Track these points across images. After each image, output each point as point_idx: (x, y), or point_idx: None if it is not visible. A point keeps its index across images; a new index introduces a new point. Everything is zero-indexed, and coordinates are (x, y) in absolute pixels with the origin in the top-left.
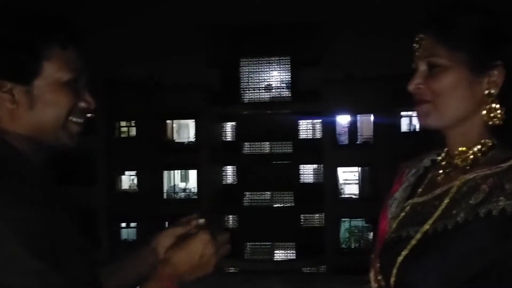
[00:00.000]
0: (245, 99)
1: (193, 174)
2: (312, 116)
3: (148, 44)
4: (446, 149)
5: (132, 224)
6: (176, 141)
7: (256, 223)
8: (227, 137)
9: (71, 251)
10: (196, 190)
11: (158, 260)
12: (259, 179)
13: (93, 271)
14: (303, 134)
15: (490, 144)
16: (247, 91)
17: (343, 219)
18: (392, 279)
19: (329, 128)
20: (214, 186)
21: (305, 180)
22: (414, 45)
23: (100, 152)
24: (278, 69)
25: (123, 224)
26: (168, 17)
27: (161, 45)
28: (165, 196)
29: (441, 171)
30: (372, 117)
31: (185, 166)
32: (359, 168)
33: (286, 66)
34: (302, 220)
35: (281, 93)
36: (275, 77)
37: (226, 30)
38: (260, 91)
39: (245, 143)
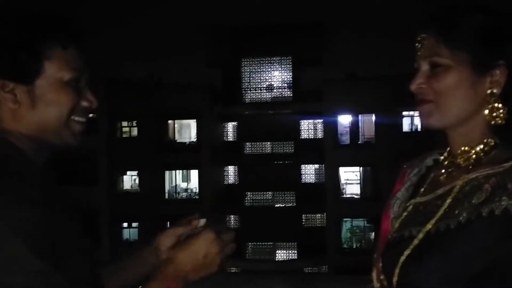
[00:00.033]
0: (246, 99)
1: (194, 174)
2: (313, 116)
3: (150, 44)
4: (448, 148)
5: (134, 224)
6: (177, 141)
7: (258, 223)
8: (228, 137)
9: (72, 251)
10: (197, 190)
11: (158, 260)
12: (260, 179)
13: (95, 271)
14: (304, 134)
15: (493, 143)
16: (249, 91)
17: (344, 219)
18: (395, 279)
19: (331, 128)
20: (216, 186)
21: (306, 180)
22: (416, 44)
23: (102, 152)
24: (280, 69)
25: (125, 224)
26: (169, 17)
27: (162, 45)
28: (166, 196)
29: (443, 171)
30: (373, 117)
31: (186, 166)
32: (361, 168)
33: (288, 66)
34: (303, 220)
35: (283, 93)
36: (276, 77)
37: (228, 30)
38: (262, 91)
39: (247, 143)
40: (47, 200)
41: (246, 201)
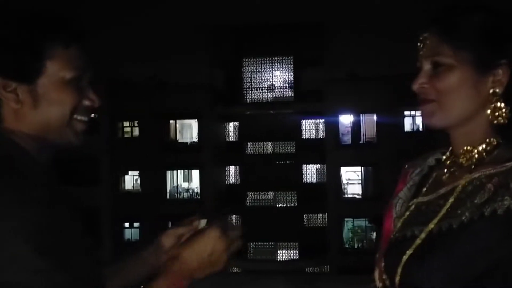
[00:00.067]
0: (248, 99)
1: (196, 174)
2: (315, 116)
3: (151, 45)
4: (450, 148)
5: (135, 224)
6: (179, 141)
7: (259, 223)
8: (230, 137)
9: (74, 250)
10: (199, 190)
11: (158, 260)
12: (262, 179)
13: (97, 271)
14: (306, 134)
15: (495, 143)
16: (250, 91)
17: (346, 219)
18: (397, 279)
19: (332, 128)
20: (217, 186)
21: (308, 180)
22: (418, 44)
23: (103, 152)
24: (281, 69)
25: (126, 224)
26: (171, 17)
27: (164, 45)
28: (168, 196)
29: (446, 170)
30: (375, 117)
31: (188, 166)
32: (362, 168)
33: (289, 66)
34: (305, 220)
35: (284, 93)
36: (277, 77)
37: (229, 30)
38: (263, 91)
39: (248, 143)
40: (51, 200)
41: (248, 201)
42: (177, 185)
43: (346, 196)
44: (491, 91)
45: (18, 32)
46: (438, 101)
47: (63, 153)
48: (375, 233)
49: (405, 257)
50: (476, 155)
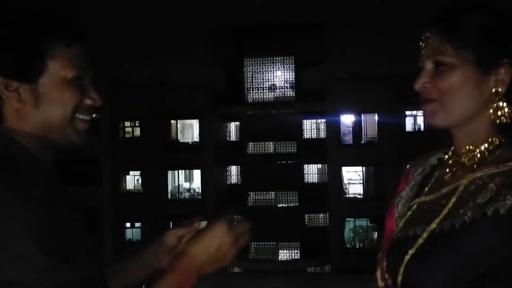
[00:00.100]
0: (249, 99)
1: (197, 174)
2: (316, 115)
3: (152, 45)
4: (453, 147)
5: (137, 224)
6: (180, 141)
7: (261, 223)
8: (231, 137)
9: (78, 250)
10: (200, 190)
11: (158, 261)
12: (263, 179)
13: (100, 270)
14: (307, 134)
15: (497, 142)
16: (251, 91)
17: (347, 219)
18: (399, 278)
19: (333, 128)
20: (218, 186)
21: (309, 180)
22: (420, 43)
23: (105, 153)
24: (282, 68)
25: (128, 224)
26: (172, 17)
27: (165, 46)
28: (169, 196)
29: (448, 170)
30: (376, 117)
31: (189, 166)
32: (364, 167)
33: (290, 65)
34: (306, 220)
35: (285, 92)
36: (279, 76)
37: (230, 30)
38: (264, 91)
39: (249, 143)
40: (53, 199)
41: (249, 201)
42: (178, 185)
43: (347, 196)
44: (493, 90)
45: (19, 32)
46: (440, 101)
47: (64, 153)
48: (376, 233)
49: (407, 257)
50: (478, 155)
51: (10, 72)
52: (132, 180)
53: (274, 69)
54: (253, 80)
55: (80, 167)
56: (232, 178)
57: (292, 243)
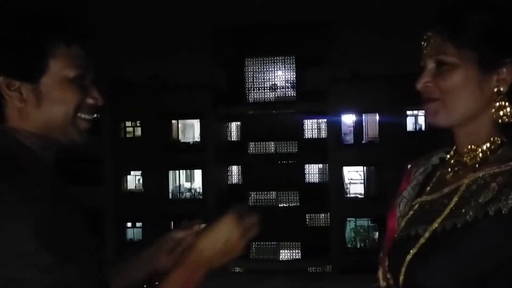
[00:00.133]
0: (250, 99)
1: (198, 174)
2: (317, 115)
3: (153, 45)
4: (454, 147)
5: (138, 224)
6: (181, 141)
7: (261, 222)
8: (232, 137)
9: (81, 250)
10: (201, 190)
11: (157, 262)
12: (264, 179)
13: (103, 270)
14: (308, 134)
15: (499, 142)
16: (252, 91)
17: (348, 219)
18: (401, 278)
19: (334, 128)
20: (219, 186)
21: (310, 179)
22: (422, 43)
23: (106, 152)
24: (283, 68)
25: (129, 224)
26: (173, 17)
27: (166, 46)
28: (170, 196)
29: (450, 169)
30: (377, 116)
31: (190, 166)
32: (365, 167)
33: (291, 65)
34: (307, 219)
35: (286, 92)
36: (280, 76)
37: (231, 30)
38: (265, 90)
39: (250, 143)
40: (55, 198)
41: (250, 201)
42: (180, 185)
43: (348, 195)
44: (495, 90)
45: (20, 31)
46: (442, 100)
47: (65, 153)
48: (377, 232)
49: (409, 257)
50: (480, 154)
51: (11, 71)
52: (133, 180)
53: (275, 69)
54: (254, 80)
55: (81, 167)
56: (233, 178)
57: (293, 243)
